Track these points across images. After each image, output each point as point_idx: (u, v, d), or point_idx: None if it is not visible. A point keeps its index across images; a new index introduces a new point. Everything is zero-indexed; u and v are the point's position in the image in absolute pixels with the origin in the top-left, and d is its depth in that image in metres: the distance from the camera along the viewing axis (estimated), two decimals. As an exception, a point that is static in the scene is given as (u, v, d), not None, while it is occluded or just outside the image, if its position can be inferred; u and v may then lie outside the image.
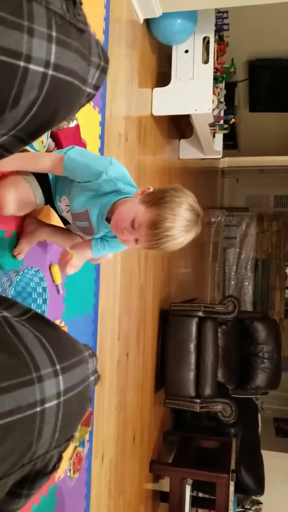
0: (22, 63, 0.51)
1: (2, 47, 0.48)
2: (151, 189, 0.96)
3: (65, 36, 0.55)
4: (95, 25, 1.70)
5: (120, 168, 1.02)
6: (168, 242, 0.92)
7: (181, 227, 0.91)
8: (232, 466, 2.64)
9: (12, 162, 1.01)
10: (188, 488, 2.72)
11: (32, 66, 0.52)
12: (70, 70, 0.57)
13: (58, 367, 0.58)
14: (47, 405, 0.56)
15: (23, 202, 1.09)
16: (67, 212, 1.11)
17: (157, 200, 0.92)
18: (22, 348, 0.56)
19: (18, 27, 0.49)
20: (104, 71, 0.65)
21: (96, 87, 0.65)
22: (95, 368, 0.66)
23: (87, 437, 1.55)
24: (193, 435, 3.22)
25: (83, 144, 1.37)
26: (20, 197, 1.07)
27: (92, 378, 0.65)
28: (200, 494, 3.23)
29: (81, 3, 0.58)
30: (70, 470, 1.42)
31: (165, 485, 3.13)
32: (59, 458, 0.62)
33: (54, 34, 0.53)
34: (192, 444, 3.11)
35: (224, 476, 2.56)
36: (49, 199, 1.14)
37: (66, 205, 1.10)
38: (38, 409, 0.55)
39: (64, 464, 1.41)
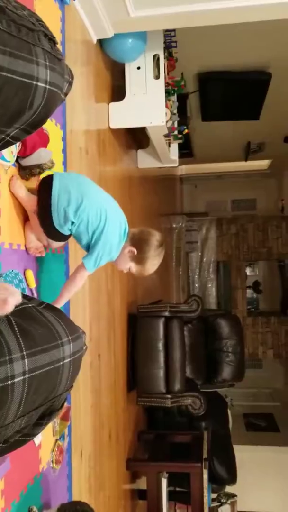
0: (34, 82, 0.85)
1: (25, 73, 0.83)
2: (135, 252, 1.44)
3: (52, 64, 0.89)
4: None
5: (114, 244, 1.43)
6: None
7: (156, 265, 1.51)
8: (205, 455, 2.79)
9: (64, 298, 1.48)
10: (164, 481, 2.84)
11: (39, 84, 0.86)
12: (57, 84, 0.91)
13: (70, 337, 0.90)
14: (65, 361, 0.87)
15: None
16: None
17: (141, 260, 1.45)
18: (50, 325, 0.87)
19: (32, 61, 0.84)
20: (71, 84, 1.06)
21: (66, 95, 1.03)
22: (84, 342, 0.99)
23: (66, 431, 1.65)
24: (166, 432, 3.35)
25: (45, 136, 1.52)
26: None
27: (84, 347, 0.97)
28: (178, 489, 3.35)
29: (57, 43, 0.95)
30: (52, 462, 1.52)
31: (142, 484, 3.23)
32: (65, 399, 0.93)
33: (48, 63, 0.88)
34: (166, 441, 3.24)
35: (197, 465, 2.70)
36: None
37: None
38: (61, 363, 0.86)
39: (47, 456, 1.50)
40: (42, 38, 0.87)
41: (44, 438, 1.48)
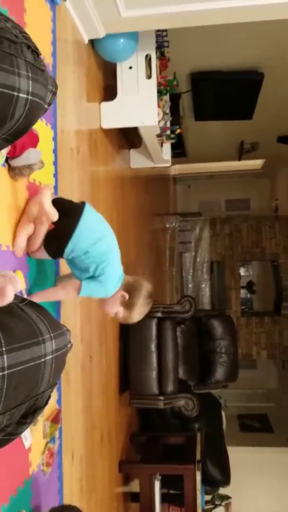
0: (15, 93, 0.86)
1: (6, 84, 0.84)
2: (127, 296, 1.51)
3: (35, 75, 0.91)
4: (44, 49, 1.81)
5: (113, 281, 1.49)
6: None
7: (142, 314, 1.58)
8: (198, 457, 2.78)
9: (37, 300, 1.41)
10: (157, 484, 2.82)
11: (21, 95, 0.88)
12: (39, 95, 0.93)
13: (52, 334, 0.89)
14: (47, 358, 0.86)
15: None
16: None
17: (130, 306, 1.52)
18: (31, 321, 0.87)
19: (13, 73, 0.86)
20: (54, 94, 1.05)
21: (49, 104, 1.04)
22: (69, 339, 0.98)
23: (56, 434, 1.63)
24: (159, 434, 3.34)
25: (35, 136, 1.49)
26: None
27: (69, 345, 0.96)
28: (171, 492, 3.33)
29: (40, 54, 0.96)
30: (43, 464, 1.50)
31: (135, 486, 3.21)
32: (49, 397, 0.93)
33: (30, 74, 0.89)
34: (159, 442, 3.23)
35: (190, 467, 2.69)
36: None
37: None
38: (43, 360, 0.85)
39: (37, 459, 1.49)
40: (24, 50, 0.90)
41: (34, 441, 1.47)
